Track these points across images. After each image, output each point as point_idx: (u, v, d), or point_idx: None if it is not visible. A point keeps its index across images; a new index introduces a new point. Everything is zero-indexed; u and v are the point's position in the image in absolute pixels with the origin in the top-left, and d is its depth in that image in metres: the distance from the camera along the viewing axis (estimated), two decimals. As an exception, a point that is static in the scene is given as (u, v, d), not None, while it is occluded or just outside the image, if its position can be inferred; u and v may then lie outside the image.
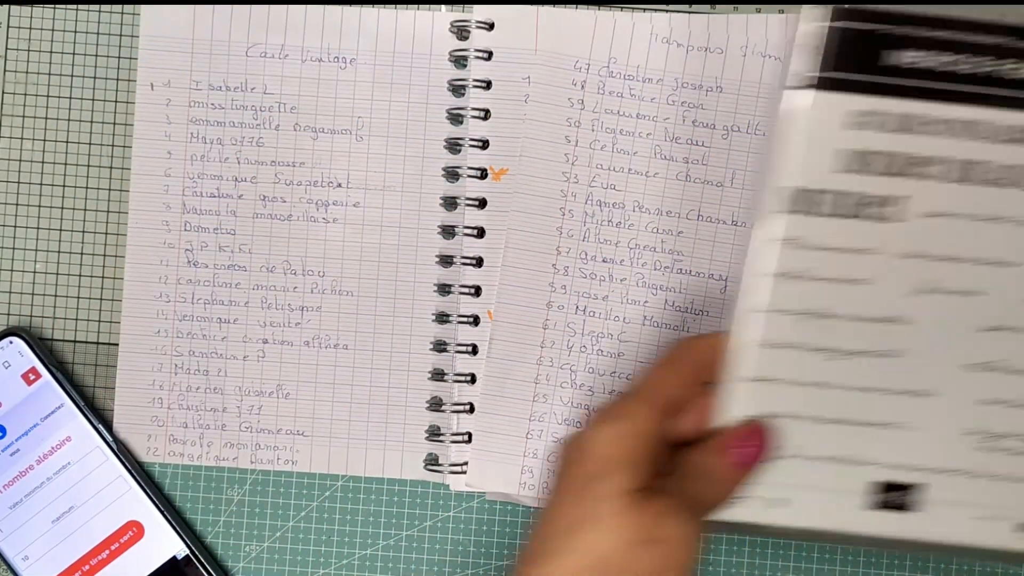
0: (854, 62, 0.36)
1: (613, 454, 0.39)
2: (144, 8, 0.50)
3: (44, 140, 0.51)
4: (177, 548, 0.49)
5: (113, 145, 0.51)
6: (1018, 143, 0.37)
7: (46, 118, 0.51)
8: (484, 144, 0.49)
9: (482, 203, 0.49)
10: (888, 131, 0.37)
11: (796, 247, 0.38)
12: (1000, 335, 0.39)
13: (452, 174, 0.50)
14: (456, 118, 0.50)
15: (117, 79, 0.51)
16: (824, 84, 0.36)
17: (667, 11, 0.49)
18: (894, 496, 0.40)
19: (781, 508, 0.40)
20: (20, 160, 0.51)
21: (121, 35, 0.51)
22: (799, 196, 0.37)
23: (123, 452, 0.49)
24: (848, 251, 0.38)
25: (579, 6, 0.49)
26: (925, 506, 0.40)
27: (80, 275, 0.51)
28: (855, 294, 0.38)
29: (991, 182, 0.38)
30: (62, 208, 0.51)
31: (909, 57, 0.36)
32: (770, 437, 0.39)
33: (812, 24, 0.36)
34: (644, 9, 0.49)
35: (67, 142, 0.51)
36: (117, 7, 0.50)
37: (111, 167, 0.51)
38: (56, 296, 0.51)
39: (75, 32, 0.51)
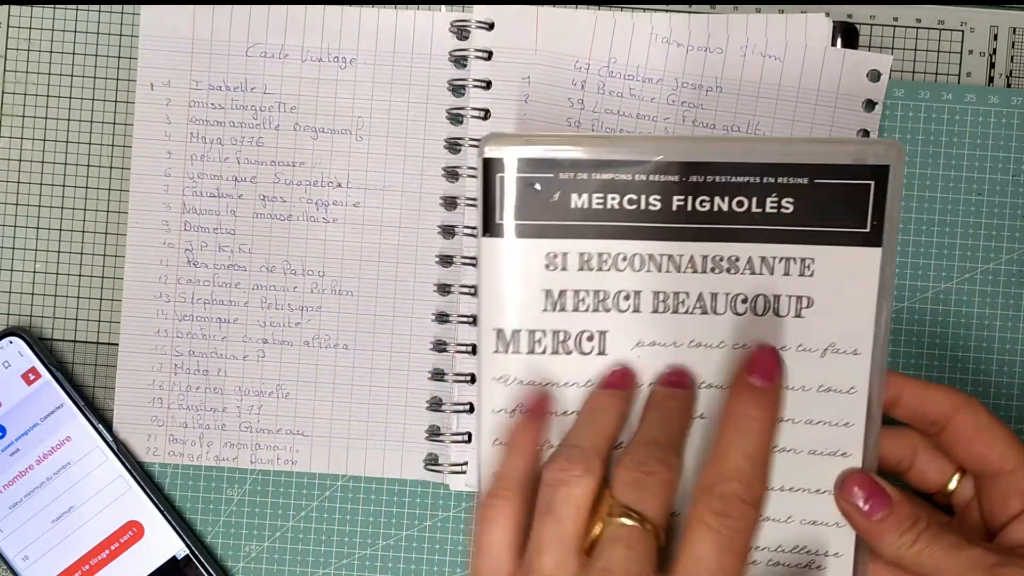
0: (540, 208, 0.37)
1: None
2: (144, 8, 0.50)
3: (44, 140, 0.51)
4: (177, 548, 0.49)
5: (113, 145, 0.51)
6: (709, 272, 0.37)
7: (46, 118, 0.51)
8: (484, 144, 0.49)
9: (482, 203, 0.49)
10: (576, 270, 0.37)
11: (517, 385, 0.38)
12: None
13: (452, 174, 0.50)
14: (456, 118, 0.50)
15: (117, 79, 0.51)
16: (516, 231, 0.37)
17: (667, 11, 0.49)
18: None
19: None
20: (20, 160, 0.51)
21: (121, 35, 0.51)
22: (506, 337, 0.38)
23: (123, 452, 0.49)
24: (563, 386, 0.38)
25: (579, 6, 0.49)
26: None
27: (80, 275, 0.51)
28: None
29: (689, 311, 0.38)
30: (62, 208, 0.51)
31: (592, 199, 0.37)
32: None
33: (498, 174, 0.37)
34: (644, 9, 0.49)
35: (67, 142, 0.51)
36: (117, 7, 0.50)
37: (111, 167, 0.51)
38: (56, 296, 0.51)
39: (75, 32, 0.51)
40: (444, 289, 0.50)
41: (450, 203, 0.50)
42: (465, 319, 0.49)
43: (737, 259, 0.37)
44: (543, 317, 0.38)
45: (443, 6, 0.50)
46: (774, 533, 0.39)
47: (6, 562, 0.49)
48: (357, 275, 0.50)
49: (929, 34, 0.50)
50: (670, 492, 0.36)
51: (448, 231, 0.50)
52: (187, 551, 0.49)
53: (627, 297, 0.38)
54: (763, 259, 0.37)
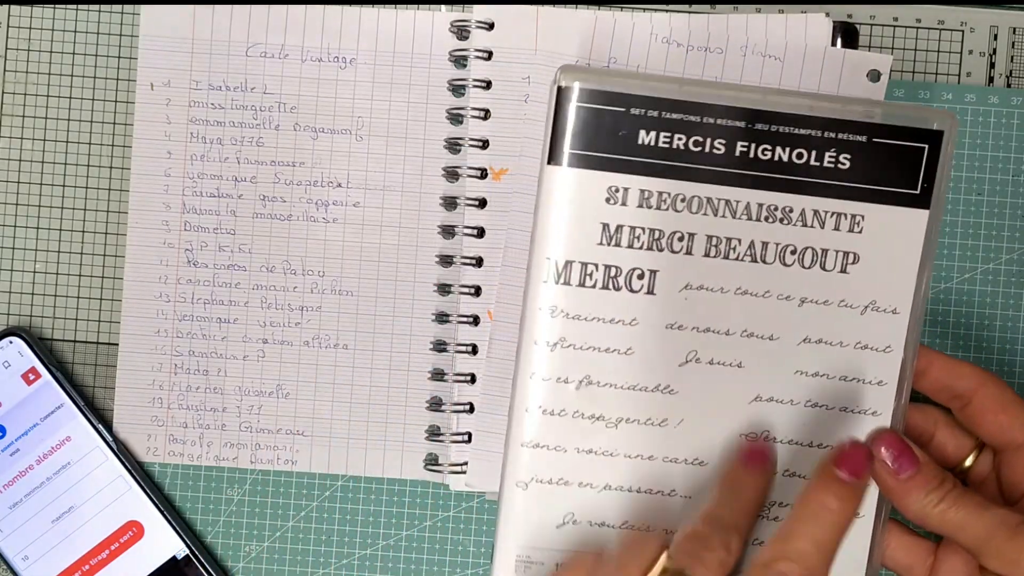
0: (608, 141, 0.38)
1: None
2: (144, 8, 0.50)
3: (44, 140, 0.51)
4: (177, 548, 0.49)
5: (113, 145, 0.51)
6: (763, 221, 0.39)
7: (46, 118, 0.51)
8: (484, 144, 0.49)
9: (482, 203, 0.49)
10: (635, 207, 0.38)
11: (562, 317, 0.39)
12: (766, 407, 0.39)
13: (452, 174, 0.50)
14: (456, 118, 0.50)
15: (117, 79, 0.51)
16: (580, 162, 0.38)
17: (667, 11, 0.49)
18: None
19: None
20: (20, 160, 0.51)
21: (121, 35, 0.51)
22: (558, 266, 0.39)
23: (123, 452, 0.49)
24: (608, 322, 0.39)
25: (579, 6, 0.49)
26: None
27: (80, 275, 0.51)
28: (619, 364, 0.39)
29: (739, 258, 0.39)
30: (62, 208, 0.51)
31: (659, 137, 0.38)
32: None
33: (570, 103, 0.38)
34: (644, 9, 0.49)
35: (67, 142, 0.51)
36: (117, 7, 0.50)
37: (111, 167, 0.51)
38: (56, 296, 0.51)
39: (75, 32, 0.51)
40: (444, 289, 0.50)
41: (450, 203, 0.50)
42: (465, 319, 0.49)
43: (791, 210, 0.39)
44: (597, 251, 0.39)
45: (443, 6, 0.50)
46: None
47: (6, 562, 0.49)
48: (357, 275, 0.50)
49: (929, 34, 0.50)
50: (724, 572, 0.37)
51: (448, 231, 0.50)
52: (187, 551, 0.49)
53: (681, 239, 0.39)
54: (815, 212, 0.39)
